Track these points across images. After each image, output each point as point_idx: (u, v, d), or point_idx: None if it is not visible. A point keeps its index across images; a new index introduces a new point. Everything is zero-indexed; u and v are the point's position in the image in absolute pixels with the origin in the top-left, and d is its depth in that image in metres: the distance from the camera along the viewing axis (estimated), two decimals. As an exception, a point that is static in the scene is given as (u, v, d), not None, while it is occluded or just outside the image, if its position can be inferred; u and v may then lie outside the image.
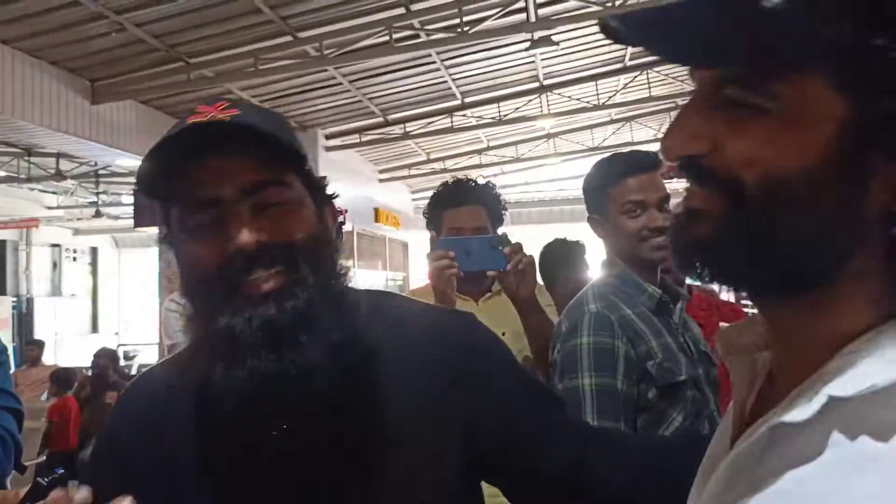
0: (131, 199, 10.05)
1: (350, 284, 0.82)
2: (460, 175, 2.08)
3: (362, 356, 0.78)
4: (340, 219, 1.58)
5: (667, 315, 1.50)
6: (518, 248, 1.62)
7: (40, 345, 8.24)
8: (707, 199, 0.48)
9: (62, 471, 0.93)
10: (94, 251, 16.99)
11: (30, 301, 14.25)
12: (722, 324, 0.63)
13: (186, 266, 0.76)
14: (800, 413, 0.44)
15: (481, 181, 2.00)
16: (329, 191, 0.85)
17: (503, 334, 1.91)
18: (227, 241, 0.72)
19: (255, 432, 0.74)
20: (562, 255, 2.93)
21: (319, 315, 0.72)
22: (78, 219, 14.82)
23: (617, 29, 0.44)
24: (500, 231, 1.93)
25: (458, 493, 0.83)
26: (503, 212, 1.98)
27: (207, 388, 0.74)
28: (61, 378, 5.89)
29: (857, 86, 0.41)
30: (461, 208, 1.90)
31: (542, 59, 8.00)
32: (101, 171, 10.88)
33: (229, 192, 0.72)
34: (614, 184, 1.52)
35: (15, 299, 13.78)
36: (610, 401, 1.34)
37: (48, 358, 8.52)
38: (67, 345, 13.67)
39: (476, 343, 0.88)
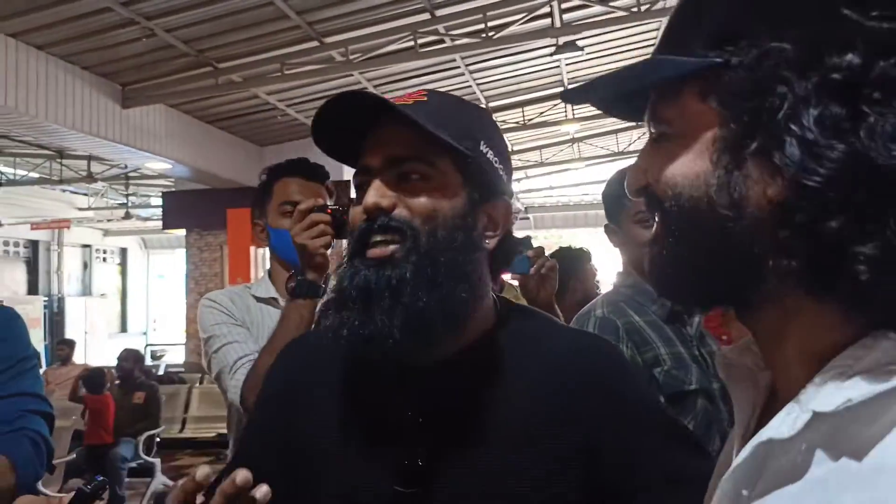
0: (160, 202, 10.23)
1: (476, 275, 0.81)
2: None
3: (487, 358, 0.82)
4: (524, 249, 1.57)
5: (680, 325, 1.48)
6: (541, 252, 1.62)
7: (71, 344, 8.40)
8: (656, 226, 0.54)
9: (101, 478, 0.96)
10: (123, 252, 17.30)
11: (61, 300, 14.55)
12: (722, 347, 0.66)
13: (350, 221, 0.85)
14: (786, 429, 0.45)
15: None
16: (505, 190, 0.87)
17: None
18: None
19: (360, 393, 0.83)
20: (570, 263, 2.92)
21: (410, 287, 0.76)
22: (108, 220, 15.11)
23: (571, 98, 0.58)
24: (521, 235, 1.94)
25: None
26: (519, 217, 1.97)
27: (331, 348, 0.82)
28: (89, 381, 6.00)
29: (721, 98, 0.47)
30: None
31: (567, 64, 7.98)
32: (130, 174, 11.07)
33: (376, 162, 0.81)
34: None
35: (46, 299, 14.09)
36: None
37: (78, 357, 8.68)
38: (97, 344, 13.93)
39: (614, 379, 0.85)
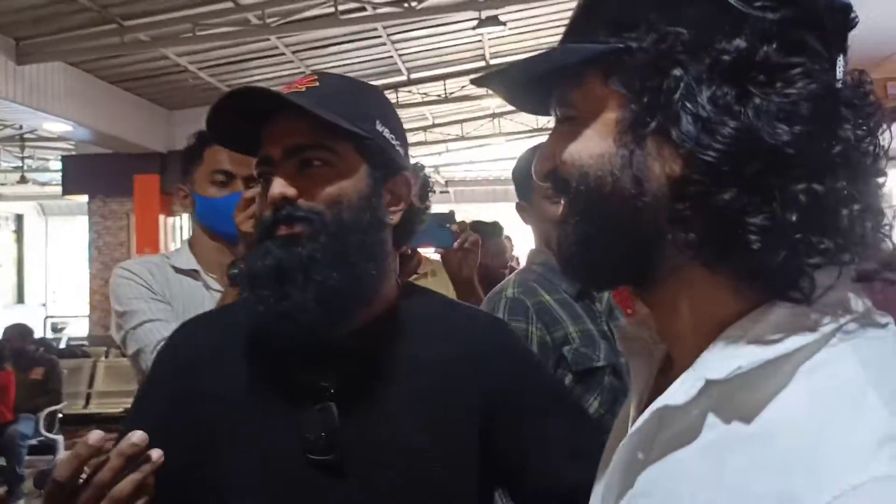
0: (59, 165, 9.65)
1: (383, 252, 0.86)
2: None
3: (386, 328, 0.87)
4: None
5: (589, 301, 1.52)
6: (465, 226, 1.62)
7: None
8: (563, 207, 0.56)
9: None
10: (19, 218, 16.24)
11: (-52, 269, 13.54)
12: (622, 320, 0.70)
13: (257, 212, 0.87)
14: (680, 396, 0.48)
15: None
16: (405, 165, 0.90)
17: None
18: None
19: (272, 367, 0.84)
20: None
21: (320, 265, 0.79)
22: (2, 184, 14.12)
23: (482, 83, 0.60)
24: (445, 209, 1.93)
25: (468, 478, 0.86)
26: (430, 191, 1.96)
27: (246, 322, 0.86)
28: None
29: (622, 80, 0.50)
30: None
31: (490, 39, 7.98)
32: (26, 135, 10.36)
33: (276, 153, 0.82)
34: None
35: (-69, 267, 13.08)
36: None
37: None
38: (-10, 316, 13.08)
39: (509, 350, 0.94)
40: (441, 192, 15.65)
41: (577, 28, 0.55)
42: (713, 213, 0.46)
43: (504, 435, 0.88)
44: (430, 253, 2.01)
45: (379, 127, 0.85)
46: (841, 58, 0.48)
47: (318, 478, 0.79)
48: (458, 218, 1.70)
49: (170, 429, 0.81)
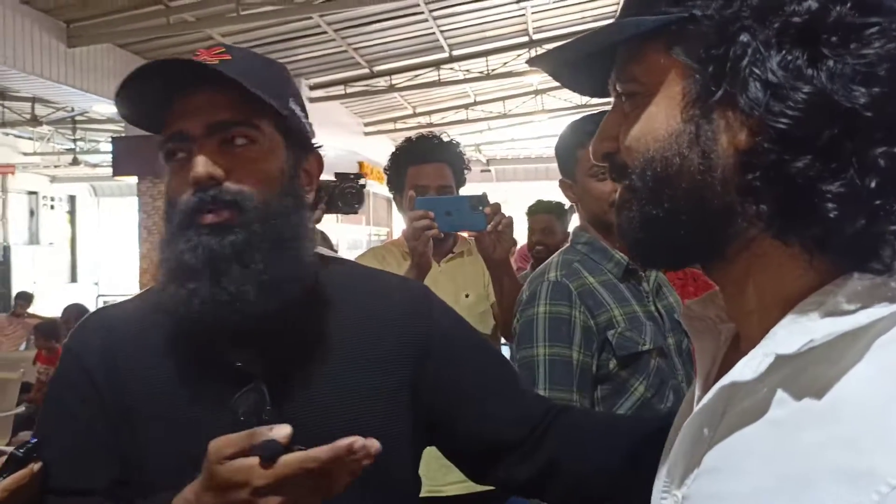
0: (110, 147, 9.87)
1: (309, 232, 0.84)
2: (425, 131, 2.00)
3: (310, 301, 0.84)
4: (362, 181, 1.53)
5: (636, 282, 1.46)
6: (497, 208, 1.58)
7: (28, 298, 8.13)
8: (622, 191, 0.55)
9: (35, 440, 0.90)
10: (72, 199, 16.73)
11: (6, 249, 14.04)
12: (686, 300, 0.68)
13: (166, 193, 0.82)
14: (749, 372, 0.47)
15: (445, 138, 1.93)
16: (314, 142, 0.88)
17: (466, 296, 1.88)
18: (189, 172, 0.77)
19: (198, 351, 0.80)
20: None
21: (257, 253, 0.77)
22: (55, 166, 14.55)
23: (537, 63, 0.57)
24: (464, 191, 1.89)
25: (400, 443, 0.85)
26: (466, 170, 1.93)
27: (163, 311, 0.80)
28: (46, 330, 5.80)
29: (686, 50, 0.48)
30: (426, 165, 1.84)
31: (533, 13, 7.84)
32: (77, 118, 10.63)
33: (197, 129, 0.77)
34: (584, 145, 1.43)
35: (-9, 247, 13.59)
36: (564, 371, 1.31)
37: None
38: (46, 294, 13.56)
39: (433, 310, 0.93)
40: (482, 171, 15.58)
41: (635, 1, 0.53)
42: (786, 183, 0.44)
43: (431, 387, 0.87)
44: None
45: (292, 104, 0.83)
46: None
47: None
48: (501, 198, 1.66)
49: (87, 420, 0.80)
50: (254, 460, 0.62)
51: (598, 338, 1.35)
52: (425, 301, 0.93)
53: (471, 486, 1.54)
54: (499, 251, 1.62)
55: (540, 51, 8.99)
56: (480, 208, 1.55)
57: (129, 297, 0.97)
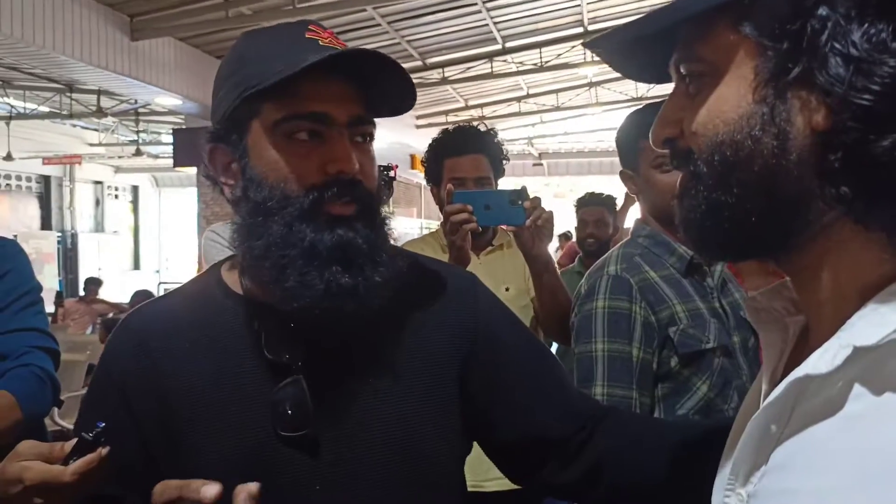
0: (170, 139, 10.15)
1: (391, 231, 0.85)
2: (462, 123, 1.98)
3: (391, 297, 0.82)
4: (391, 173, 1.55)
5: (700, 277, 1.40)
6: (537, 202, 1.55)
7: (98, 283, 8.62)
8: (684, 178, 0.52)
9: (103, 424, 0.92)
10: (135, 189, 17.30)
11: (74, 237, 14.64)
12: (750, 292, 0.65)
13: (275, 171, 0.76)
14: (823, 365, 0.44)
15: (482, 129, 1.91)
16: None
17: (507, 290, 1.86)
18: (330, 157, 0.76)
19: (236, 347, 0.80)
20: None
21: (380, 247, 0.79)
22: (119, 157, 15.05)
23: (593, 45, 0.56)
24: (516, 184, 1.87)
25: (450, 440, 0.85)
26: (504, 161, 1.91)
27: (278, 293, 0.76)
28: (109, 325, 6.01)
29: (758, 26, 0.46)
30: (464, 157, 1.82)
31: (588, 3, 7.72)
32: (140, 110, 10.96)
33: (342, 116, 0.76)
34: (646, 135, 1.40)
35: (60, 234, 14.17)
36: (623, 368, 1.28)
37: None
38: (110, 281, 14.08)
39: (482, 304, 0.91)
40: (534, 165, 15.45)
41: None
42: (870, 163, 0.42)
43: (476, 382, 0.85)
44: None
45: None
46: None
47: (291, 454, 0.76)
48: (551, 192, 1.63)
49: (126, 418, 0.79)
50: None
51: (659, 334, 1.31)
52: (472, 293, 0.91)
53: (511, 483, 1.53)
54: (538, 246, 1.60)
55: (595, 42, 8.83)
56: (520, 202, 1.52)
57: (166, 294, 0.97)
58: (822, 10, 0.43)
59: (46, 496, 0.69)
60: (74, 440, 0.70)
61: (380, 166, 0.89)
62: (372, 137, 0.81)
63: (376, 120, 0.82)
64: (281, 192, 0.75)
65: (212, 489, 0.63)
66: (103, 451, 0.68)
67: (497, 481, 1.68)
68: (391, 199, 1.56)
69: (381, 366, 0.81)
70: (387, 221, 0.82)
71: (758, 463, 0.50)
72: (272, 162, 0.76)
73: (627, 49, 0.56)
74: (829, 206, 0.45)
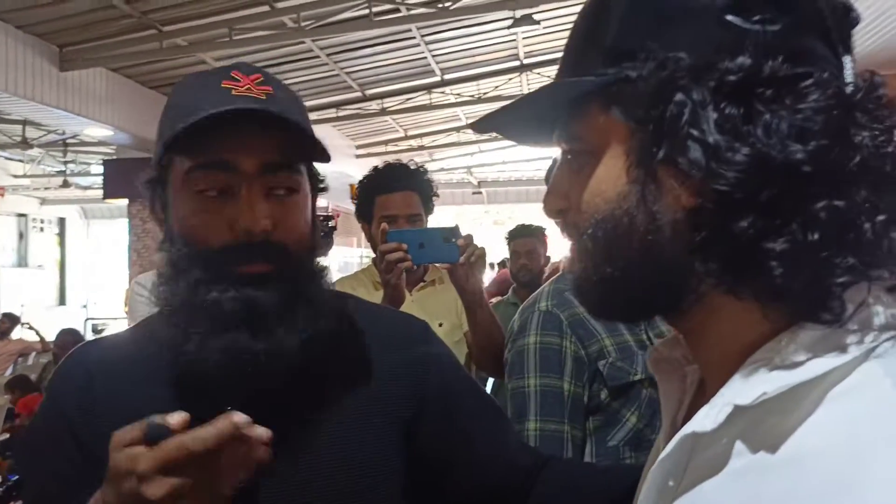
0: (100, 170, 9.84)
1: (326, 281, 0.82)
2: (392, 160, 1.98)
3: (328, 348, 0.80)
4: (332, 223, 1.54)
5: None
6: (470, 240, 1.57)
7: (14, 319, 7.95)
8: (573, 250, 0.55)
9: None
10: (61, 222, 16.63)
11: (-6, 271, 13.91)
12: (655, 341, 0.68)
13: (185, 227, 0.75)
14: (708, 423, 0.46)
15: (412, 166, 1.92)
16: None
17: (440, 325, 1.86)
18: (238, 214, 0.72)
19: (216, 401, 0.75)
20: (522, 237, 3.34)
21: (296, 308, 0.74)
22: (45, 188, 14.47)
23: (479, 128, 0.58)
24: (457, 212, 1.89)
25: (400, 489, 0.84)
26: (434, 197, 1.92)
27: (177, 355, 0.74)
28: (20, 384, 5.60)
29: (625, 110, 0.48)
30: (394, 194, 1.82)
31: (524, 38, 7.93)
32: (69, 140, 10.61)
33: (250, 166, 0.72)
34: None
35: (-21, 269, 13.45)
36: (555, 402, 1.31)
37: (15, 330, 8.34)
38: (34, 317, 13.42)
39: (434, 353, 0.91)
40: (474, 194, 15.62)
41: (572, 60, 0.54)
42: (731, 242, 0.44)
43: (427, 432, 0.85)
44: None
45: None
46: (848, 59, 0.46)
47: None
48: (491, 219, 1.65)
49: (55, 467, 0.75)
50: (141, 448, 0.58)
51: (589, 368, 1.34)
52: (424, 342, 0.91)
53: None
54: (472, 282, 1.61)
55: (531, 75, 9.13)
56: (453, 240, 1.54)
57: (116, 332, 0.93)
58: (680, 97, 0.44)
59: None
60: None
61: (319, 216, 0.87)
62: (297, 189, 0.76)
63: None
64: (190, 251, 0.74)
65: (178, 415, 0.59)
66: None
67: None
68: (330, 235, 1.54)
69: (332, 414, 0.81)
70: (319, 276, 0.78)
71: None
72: (183, 218, 0.75)
73: (521, 123, 0.58)
74: (701, 279, 0.48)
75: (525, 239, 3.40)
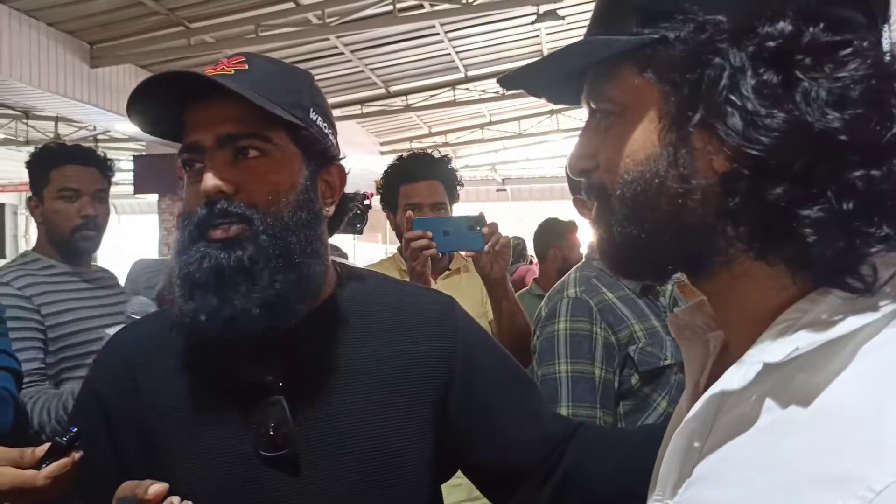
0: (131, 165, 10.01)
1: (323, 247, 0.83)
2: (417, 150, 1.99)
3: (330, 316, 0.84)
4: (367, 202, 1.56)
5: (653, 297, 1.46)
6: (495, 228, 1.58)
7: None
8: (597, 209, 0.55)
9: (76, 429, 0.91)
10: (93, 217, 16.93)
11: (28, 265, 14.23)
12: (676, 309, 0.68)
13: (183, 205, 0.81)
14: (737, 381, 0.47)
15: (437, 155, 1.94)
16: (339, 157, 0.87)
17: None
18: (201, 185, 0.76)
19: (215, 367, 0.79)
20: (553, 231, 3.19)
21: (263, 269, 0.75)
22: (77, 184, 14.73)
23: (506, 84, 0.57)
24: (480, 209, 1.90)
25: (429, 461, 0.85)
26: (459, 187, 1.94)
27: (172, 325, 0.80)
28: None
29: (660, 73, 0.48)
30: (419, 183, 1.84)
31: (547, 34, 7.90)
32: (99, 136, 10.81)
33: (208, 140, 0.76)
34: None
35: (13, 263, 13.76)
36: (586, 388, 1.31)
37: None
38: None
39: (458, 326, 0.91)
40: (497, 191, 15.59)
41: (605, 18, 0.53)
42: (764, 208, 0.44)
43: (454, 407, 0.86)
44: None
45: (313, 115, 0.82)
46: (886, 28, 0.46)
47: (271, 474, 0.77)
48: (514, 215, 1.66)
49: (108, 434, 0.80)
50: None
51: (619, 354, 1.34)
52: (450, 316, 0.91)
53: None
54: (496, 270, 1.62)
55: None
56: (478, 228, 1.55)
57: (146, 315, 0.98)
58: (718, 61, 0.44)
59: (18, 501, 0.69)
60: (47, 445, 0.70)
61: (354, 193, 0.88)
62: (260, 151, 0.77)
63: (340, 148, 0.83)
64: (181, 222, 0.79)
65: (156, 487, 0.66)
66: (76, 455, 0.70)
67: None
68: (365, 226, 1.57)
69: (360, 386, 0.82)
70: (291, 236, 0.77)
71: (683, 476, 0.52)
72: (185, 194, 0.81)
73: (550, 82, 0.58)
74: (731, 243, 0.48)
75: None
